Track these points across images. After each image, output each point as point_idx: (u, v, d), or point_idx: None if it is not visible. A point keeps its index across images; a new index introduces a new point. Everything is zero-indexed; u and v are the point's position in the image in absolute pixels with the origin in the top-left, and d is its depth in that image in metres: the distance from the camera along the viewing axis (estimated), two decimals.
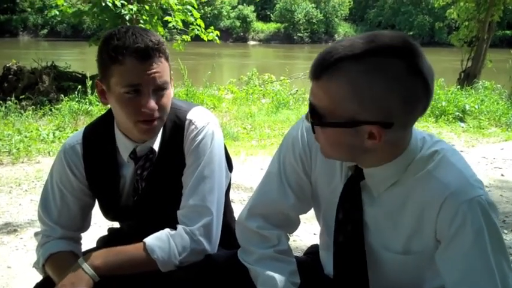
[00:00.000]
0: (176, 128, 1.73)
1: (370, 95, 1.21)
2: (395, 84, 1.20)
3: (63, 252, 1.72)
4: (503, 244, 1.30)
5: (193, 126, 1.72)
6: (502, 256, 1.27)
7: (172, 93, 1.69)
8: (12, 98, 8.70)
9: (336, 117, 1.27)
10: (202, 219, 1.67)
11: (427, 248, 1.38)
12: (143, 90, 1.55)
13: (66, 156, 1.77)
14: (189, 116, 1.74)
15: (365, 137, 1.27)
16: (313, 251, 1.89)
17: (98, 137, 1.79)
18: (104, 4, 9.02)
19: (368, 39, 1.23)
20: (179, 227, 1.67)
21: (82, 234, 1.90)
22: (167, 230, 1.67)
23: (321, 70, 1.26)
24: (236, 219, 1.74)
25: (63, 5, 9.66)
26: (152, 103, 1.56)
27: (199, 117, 1.74)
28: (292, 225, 1.69)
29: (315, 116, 1.31)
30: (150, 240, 1.63)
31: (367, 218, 1.47)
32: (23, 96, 9.17)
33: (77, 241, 1.86)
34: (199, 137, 1.71)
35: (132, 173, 1.77)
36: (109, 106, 1.69)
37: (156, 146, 1.74)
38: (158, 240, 1.63)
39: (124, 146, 1.74)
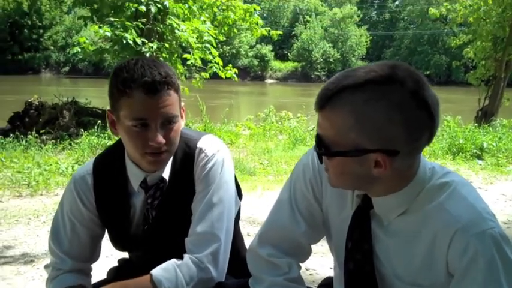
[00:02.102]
0: (186, 156, 1.74)
1: (373, 124, 1.22)
2: (397, 112, 1.21)
3: (72, 287, 1.72)
4: None
5: (203, 154, 1.72)
6: None
7: (182, 125, 1.70)
8: (33, 132, 8.85)
9: (341, 147, 1.28)
10: (210, 247, 1.67)
11: (438, 281, 1.35)
12: (151, 124, 1.55)
13: (77, 187, 1.78)
14: (199, 145, 1.74)
15: (371, 166, 1.28)
16: (327, 283, 1.87)
17: (108, 167, 1.79)
18: (124, 42, 9.18)
19: (369, 69, 1.26)
20: (186, 256, 1.66)
21: (92, 266, 1.89)
22: (174, 260, 1.66)
23: (324, 100, 1.28)
24: (247, 247, 1.74)
25: (85, 43, 9.86)
26: (159, 138, 1.56)
27: (209, 146, 1.75)
28: (304, 253, 1.67)
29: (322, 146, 1.32)
30: (157, 271, 1.62)
31: (378, 247, 1.45)
32: (43, 131, 9.32)
33: (87, 273, 1.85)
34: (209, 165, 1.71)
35: (143, 202, 1.77)
36: (119, 136, 1.70)
37: (166, 175, 1.73)
38: (165, 271, 1.62)
39: (135, 176, 1.73)
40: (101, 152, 1.94)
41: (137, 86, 1.51)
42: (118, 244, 1.87)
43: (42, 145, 8.49)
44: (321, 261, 3.71)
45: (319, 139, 1.33)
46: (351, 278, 1.53)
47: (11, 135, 8.90)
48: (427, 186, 1.36)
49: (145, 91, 1.51)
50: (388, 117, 1.21)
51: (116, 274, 1.97)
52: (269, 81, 53.98)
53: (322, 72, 54.05)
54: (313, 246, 1.71)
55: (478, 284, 1.24)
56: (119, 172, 1.76)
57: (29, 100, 10.37)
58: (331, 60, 54.45)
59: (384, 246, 1.44)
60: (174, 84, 1.58)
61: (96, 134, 8.99)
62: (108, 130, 8.91)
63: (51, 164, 6.98)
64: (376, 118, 1.22)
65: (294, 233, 1.59)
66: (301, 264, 1.69)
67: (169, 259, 1.67)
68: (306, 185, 1.59)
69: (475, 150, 8.84)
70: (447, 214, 1.31)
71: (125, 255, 2.05)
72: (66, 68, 53.01)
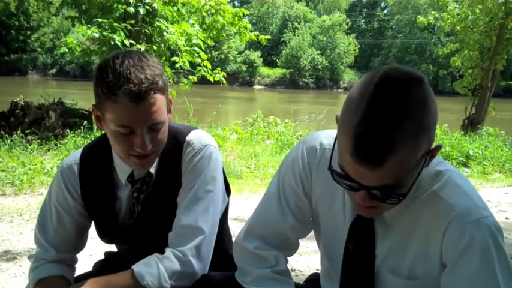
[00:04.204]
0: (174, 150, 1.70)
1: (431, 133, 1.18)
2: (435, 108, 1.18)
3: (52, 277, 1.68)
4: (510, 267, 1.26)
5: (190, 148, 1.69)
6: (510, 279, 1.23)
7: (171, 117, 1.66)
8: (18, 132, 8.76)
9: (415, 175, 1.20)
10: (194, 240, 1.63)
11: (433, 272, 1.34)
12: (137, 131, 1.51)
13: (63, 175, 1.75)
14: (187, 138, 1.71)
15: None
16: (313, 278, 1.85)
17: (96, 158, 1.76)
18: (112, 43, 9.11)
19: (400, 105, 1.13)
20: (168, 250, 1.63)
21: (78, 260, 1.86)
22: (155, 254, 1.63)
23: (380, 160, 1.13)
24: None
25: (72, 43, 9.78)
26: (145, 143, 1.51)
27: (198, 139, 1.71)
28: (291, 247, 1.64)
29: (394, 194, 1.21)
30: (138, 266, 1.58)
31: (377, 245, 1.43)
32: (29, 131, 9.21)
33: (70, 264, 1.81)
34: (196, 158, 1.68)
35: (129, 196, 1.74)
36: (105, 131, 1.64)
37: (153, 170, 1.70)
38: (146, 266, 1.58)
39: (121, 169, 1.70)
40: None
41: (122, 93, 1.44)
42: (104, 236, 1.84)
43: (28, 145, 8.38)
44: (307, 263, 3.70)
45: (393, 188, 1.19)
46: (348, 277, 1.51)
47: None
48: (422, 176, 1.33)
49: (132, 99, 1.45)
50: (435, 116, 1.18)
51: (101, 267, 1.94)
52: (257, 87, 54.09)
53: (310, 79, 54.32)
54: (299, 248, 1.69)
55: (472, 272, 1.23)
56: (106, 163, 1.74)
57: (15, 100, 10.23)
58: (319, 67, 54.69)
59: (384, 244, 1.42)
60: (161, 87, 1.52)
61: (82, 135, 8.90)
62: (95, 131, 8.88)
63: (36, 164, 6.89)
64: (432, 127, 1.17)
65: (282, 226, 1.57)
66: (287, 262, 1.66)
67: (157, 253, 1.64)
68: (295, 179, 1.56)
69: (461, 158, 8.91)
70: (442, 202, 1.30)
71: (111, 248, 2.02)
72: (53, 70, 52.83)
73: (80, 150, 1.82)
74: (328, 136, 1.54)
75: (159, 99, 1.52)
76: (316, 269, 3.55)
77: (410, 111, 1.12)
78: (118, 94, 1.45)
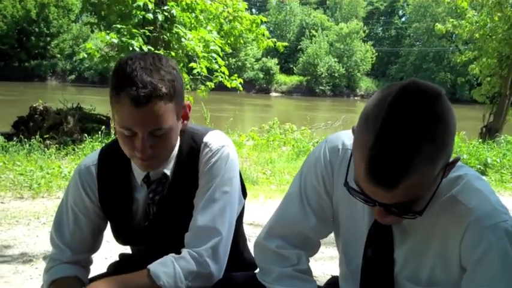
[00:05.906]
0: (191, 151, 1.70)
1: (449, 148, 1.17)
2: (455, 126, 1.17)
3: (66, 277, 1.69)
4: None
5: (207, 149, 1.68)
6: None
7: (184, 125, 1.66)
8: (37, 137, 8.86)
9: (432, 190, 1.21)
10: (210, 241, 1.62)
11: (452, 276, 1.33)
12: (138, 134, 1.51)
13: (81, 177, 1.75)
14: (205, 139, 1.70)
15: None
16: (333, 281, 1.84)
17: (113, 159, 1.75)
18: (131, 49, 9.18)
19: (412, 112, 1.12)
20: (184, 250, 1.63)
21: (93, 261, 1.87)
22: (171, 254, 1.62)
23: (396, 182, 1.12)
24: (253, 242, 1.72)
25: (91, 49, 9.87)
26: (144, 147, 1.51)
27: (215, 140, 1.70)
28: (312, 247, 1.63)
29: (411, 210, 1.21)
30: (154, 266, 1.58)
31: (396, 251, 1.43)
32: (47, 136, 9.31)
33: (84, 266, 1.81)
34: (213, 159, 1.67)
35: (145, 197, 1.73)
36: None
37: (169, 171, 1.69)
38: (162, 265, 1.58)
39: (138, 170, 1.70)
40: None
41: (124, 95, 1.46)
42: (120, 238, 1.85)
43: (46, 150, 8.48)
44: (322, 269, 3.68)
45: (410, 204, 1.20)
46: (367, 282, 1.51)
47: (15, 139, 8.90)
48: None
49: (132, 102, 1.45)
50: (453, 135, 1.17)
51: (116, 269, 1.94)
52: (274, 94, 54.14)
53: (327, 87, 54.24)
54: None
55: (491, 276, 1.22)
56: (124, 165, 1.73)
57: (34, 105, 10.34)
58: (336, 75, 54.62)
59: (403, 251, 1.42)
60: (165, 94, 1.49)
61: (99, 140, 9.00)
62: (112, 136, 8.94)
63: (53, 168, 6.96)
64: (450, 143, 1.17)
65: (303, 226, 1.56)
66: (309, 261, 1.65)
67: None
68: (317, 179, 1.55)
69: (479, 166, 8.81)
70: (461, 206, 1.28)
71: (127, 250, 2.02)
72: (72, 76, 53.29)
73: (98, 151, 1.82)
74: (350, 136, 1.51)
75: (163, 106, 1.50)
76: (331, 275, 3.54)
77: (427, 132, 1.10)
78: (121, 95, 1.46)
